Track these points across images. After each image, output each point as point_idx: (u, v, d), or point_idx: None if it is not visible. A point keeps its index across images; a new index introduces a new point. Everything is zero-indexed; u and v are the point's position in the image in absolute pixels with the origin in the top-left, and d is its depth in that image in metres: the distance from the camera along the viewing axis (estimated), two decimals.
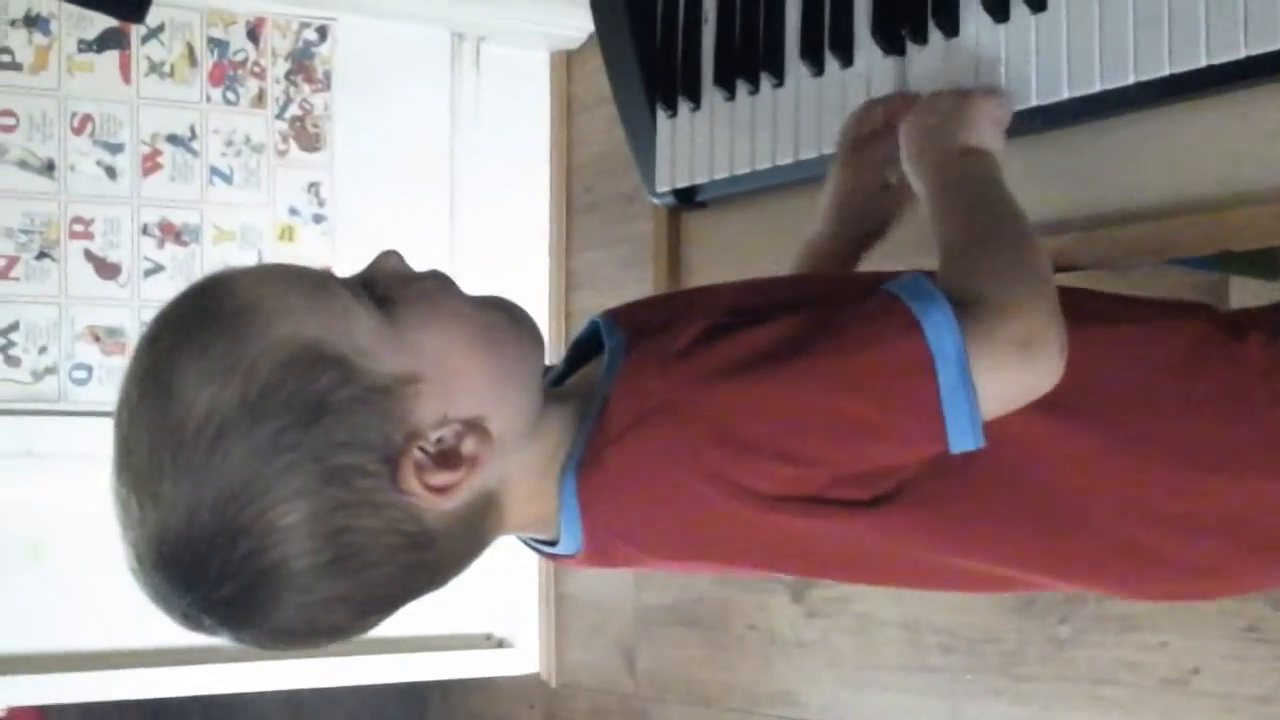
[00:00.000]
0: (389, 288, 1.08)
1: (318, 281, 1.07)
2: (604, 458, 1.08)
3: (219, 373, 0.99)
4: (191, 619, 1.03)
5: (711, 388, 1.05)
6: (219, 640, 1.07)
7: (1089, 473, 1.14)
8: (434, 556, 1.07)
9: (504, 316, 1.13)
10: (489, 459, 1.07)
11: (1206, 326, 1.22)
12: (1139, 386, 1.17)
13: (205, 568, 1.00)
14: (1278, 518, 1.19)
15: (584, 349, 1.22)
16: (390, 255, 1.11)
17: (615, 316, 1.21)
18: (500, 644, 3.62)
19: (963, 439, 1.04)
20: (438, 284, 1.11)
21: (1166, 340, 1.20)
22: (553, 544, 1.15)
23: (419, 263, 1.13)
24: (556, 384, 1.21)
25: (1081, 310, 1.12)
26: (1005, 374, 1.04)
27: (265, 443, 0.99)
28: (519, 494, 1.11)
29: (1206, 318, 1.26)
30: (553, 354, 1.18)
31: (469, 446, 1.05)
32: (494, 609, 3.58)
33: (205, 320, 1.02)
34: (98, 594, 2.99)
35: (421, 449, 1.04)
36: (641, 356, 1.11)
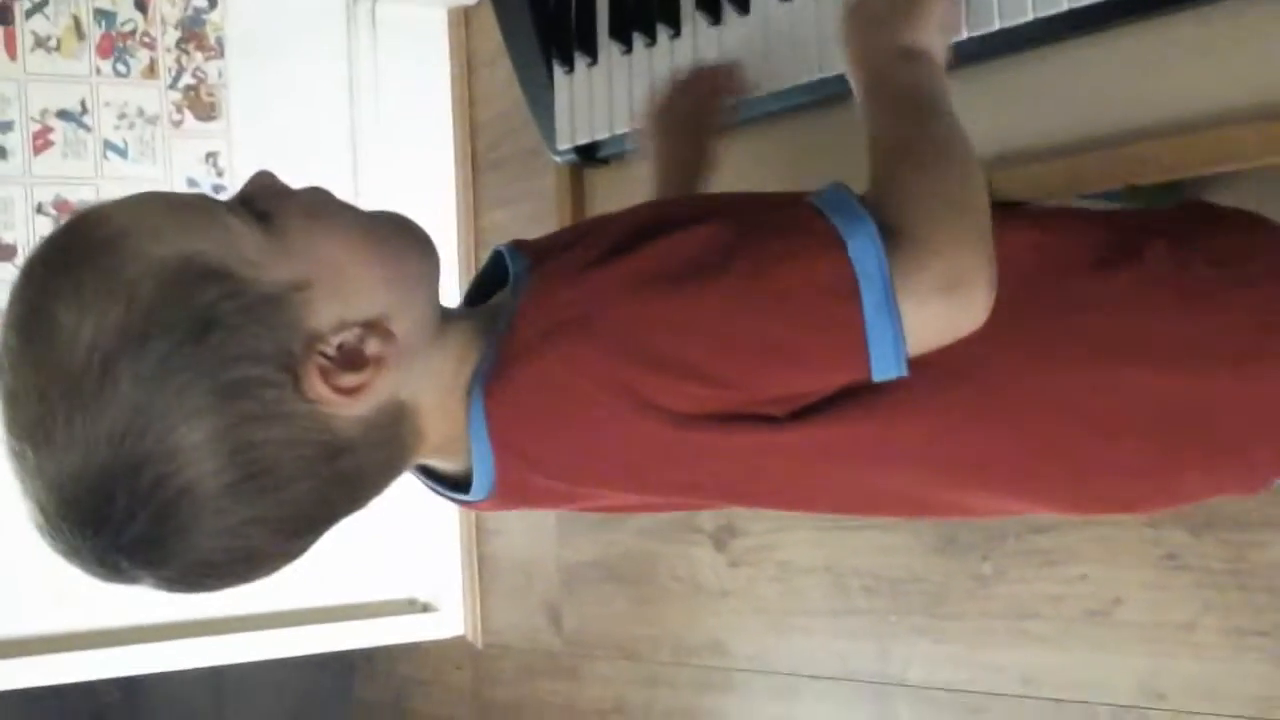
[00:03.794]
0: (267, 202, 1.05)
1: (191, 200, 1.05)
2: (512, 371, 1.06)
3: (97, 302, 0.96)
4: (108, 565, 1.00)
5: (625, 299, 1.03)
6: (141, 588, 1.04)
7: (1014, 373, 1.13)
8: (351, 467, 1.05)
9: (393, 227, 1.11)
10: (395, 360, 1.04)
11: (1116, 228, 1.23)
12: (1056, 284, 1.17)
13: (111, 505, 0.97)
14: (1196, 414, 1.19)
15: (489, 283, 1.19)
16: (264, 174, 1.08)
17: (518, 244, 1.19)
18: (424, 608, 3.60)
19: (886, 367, 1.02)
20: (318, 195, 1.09)
21: (1081, 240, 1.20)
22: (463, 487, 1.13)
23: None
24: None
25: (1001, 216, 1.11)
26: (928, 312, 1.01)
27: (154, 366, 0.96)
28: (428, 406, 1.08)
29: (1115, 221, 1.26)
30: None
31: (373, 346, 1.03)
32: (416, 573, 3.56)
33: (77, 253, 0.99)
34: (12, 581, 2.96)
35: (323, 354, 1.02)
36: (553, 269, 1.10)
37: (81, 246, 0.99)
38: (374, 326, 1.04)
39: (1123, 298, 1.17)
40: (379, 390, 1.04)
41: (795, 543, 2.82)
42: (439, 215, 3.54)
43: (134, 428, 0.96)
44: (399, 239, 1.10)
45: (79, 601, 2.91)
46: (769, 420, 1.07)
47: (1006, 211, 1.20)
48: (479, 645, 3.64)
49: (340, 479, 1.05)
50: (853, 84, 1.19)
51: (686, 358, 1.02)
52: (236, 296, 0.99)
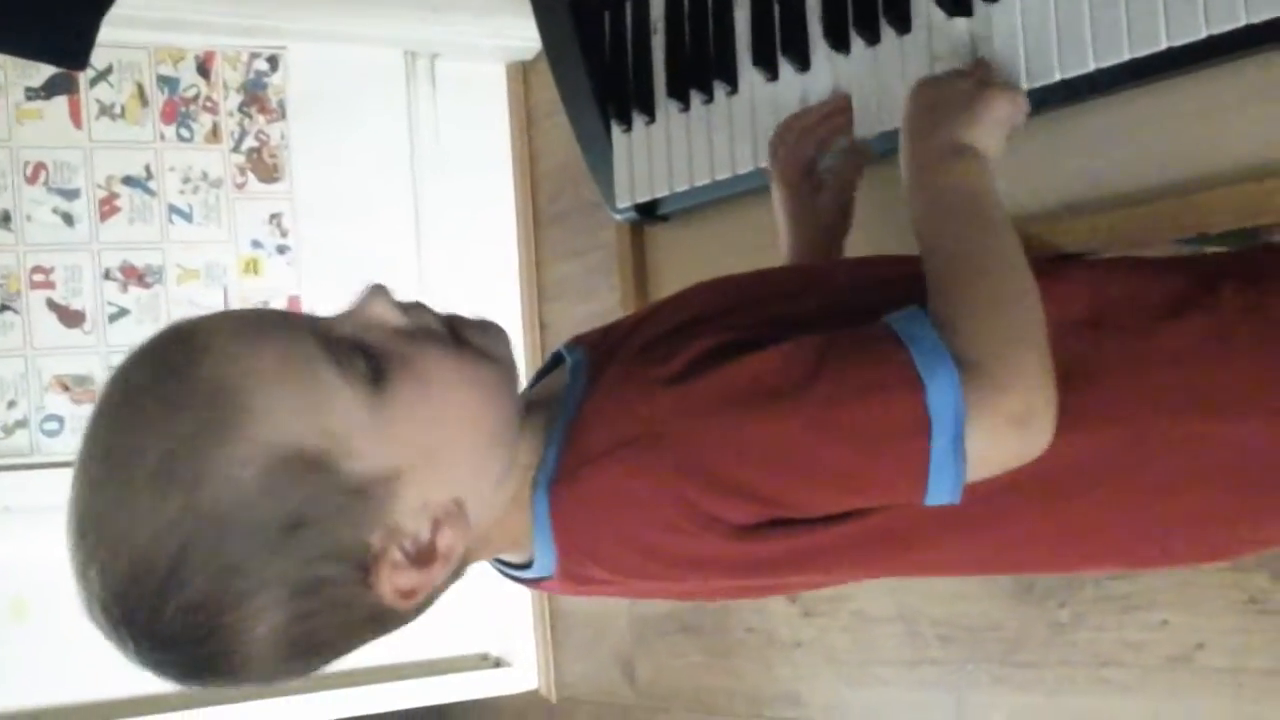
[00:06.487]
0: (381, 352, 1.02)
1: (303, 360, 0.99)
2: (579, 477, 1.06)
3: (192, 479, 0.94)
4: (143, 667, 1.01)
5: (699, 422, 1.03)
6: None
7: (1081, 438, 1.10)
8: (393, 625, 1.05)
9: (494, 371, 1.08)
10: (462, 543, 1.04)
11: (1182, 274, 1.20)
12: (1123, 341, 1.15)
13: (162, 650, 0.97)
14: (1276, 460, 1.16)
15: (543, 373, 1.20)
16: (378, 299, 1.05)
17: (574, 340, 1.19)
18: (497, 663, 3.60)
19: (940, 497, 1.03)
20: (438, 346, 1.06)
21: (1146, 291, 1.18)
22: (525, 567, 1.13)
23: (402, 290, 1.08)
24: None
25: (1060, 271, 1.10)
26: (997, 446, 1.03)
27: (237, 560, 0.95)
28: (487, 535, 1.08)
29: (1181, 266, 1.24)
30: (525, 369, 1.14)
31: (445, 539, 1.03)
32: (489, 628, 3.56)
33: (178, 400, 0.96)
34: (84, 646, 2.97)
35: (398, 546, 1.01)
36: (627, 373, 1.09)
37: (184, 394, 0.96)
38: (450, 515, 1.03)
39: (1193, 349, 1.15)
40: (434, 584, 1.04)
41: (868, 592, 2.80)
42: (502, 268, 3.55)
43: (203, 610, 0.95)
44: (497, 390, 1.08)
45: None
46: (824, 520, 1.08)
47: (1065, 265, 1.18)
48: (553, 699, 3.62)
49: (380, 632, 1.05)
50: (903, 170, 1.18)
51: (752, 483, 1.03)
52: (331, 492, 0.97)
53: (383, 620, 1.03)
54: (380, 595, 1.01)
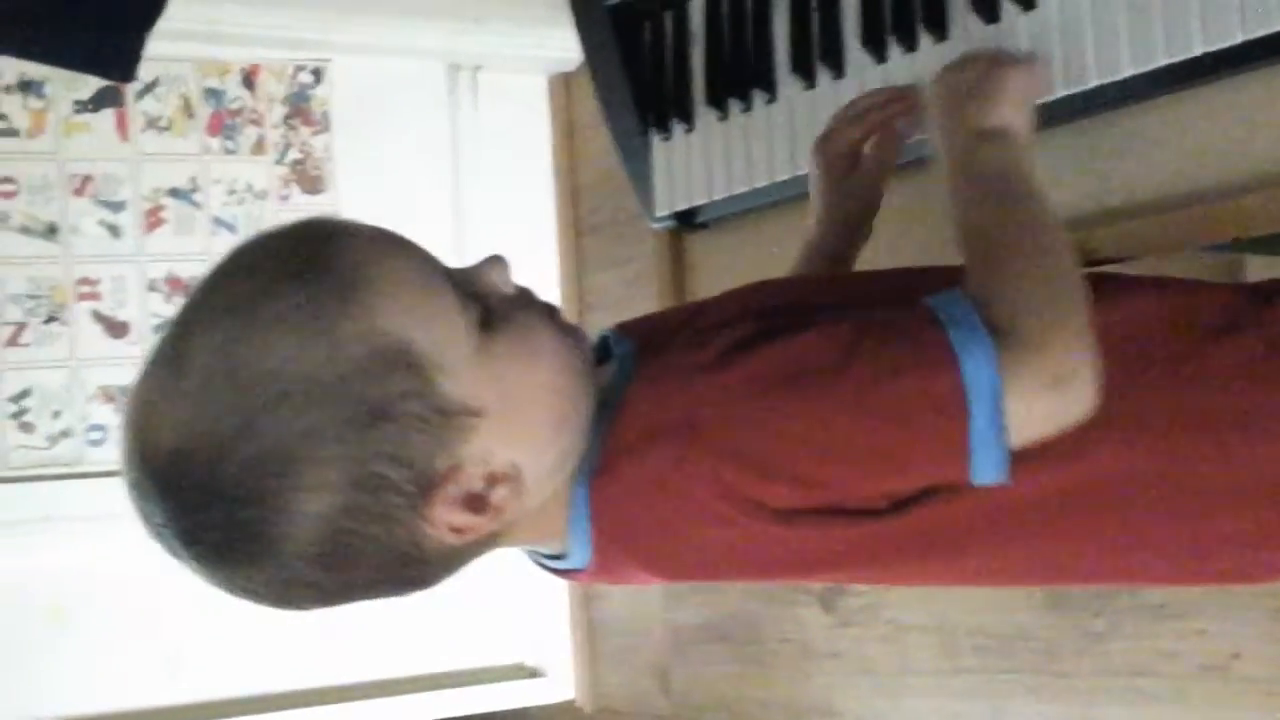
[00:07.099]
0: (496, 307, 1.06)
1: (433, 276, 1.04)
2: (618, 467, 1.07)
3: (306, 334, 0.97)
4: (165, 542, 1.02)
5: (736, 406, 1.03)
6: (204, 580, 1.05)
7: (1121, 452, 1.11)
8: (417, 575, 1.07)
9: (580, 359, 1.11)
10: (513, 510, 1.05)
11: (1232, 296, 1.20)
12: (1167, 357, 1.15)
13: (206, 508, 0.98)
14: None
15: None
16: (498, 266, 1.09)
17: (622, 327, 1.21)
18: (533, 673, 3.60)
19: (987, 474, 1.03)
20: (542, 319, 1.09)
21: (1192, 307, 1.18)
22: (559, 558, 1.14)
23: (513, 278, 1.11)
24: None
25: (1107, 282, 1.10)
26: (1037, 410, 1.02)
27: (318, 427, 0.97)
28: (526, 521, 1.09)
29: (1231, 290, 1.23)
30: None
31: (499, 496, 1.04)
32: (525, 638, 3.56)
33: (315, 271, 0.99)
34: (124, 655, 2.99)
35: (457, 484, 1.02)
36: (665, 364, 1.10)
37: (322, 267, 1.00)
38: (508, 476, 1.05)
39: (1238, 369, 1.15)
40: (481, 532, 1.05)
41: (903, 601, 2.79)
42: (544, 278, 3.56)
43: (267, 467, 0.97)
44: (580, 383, 1.10)
45: (186, 675, 2.95)
46: (870, 512, 1.08)
47: (1111, 276, 1.19)
48: (588, 710, 3.63)
49: (402, 580, 1.07)
50: (942, 163, 1.19)
51: (792, 465, 1.04)
52: (421, 398, 1.00)
53: (411, 565, 1.05)
54: (430, 525, 1.02)
